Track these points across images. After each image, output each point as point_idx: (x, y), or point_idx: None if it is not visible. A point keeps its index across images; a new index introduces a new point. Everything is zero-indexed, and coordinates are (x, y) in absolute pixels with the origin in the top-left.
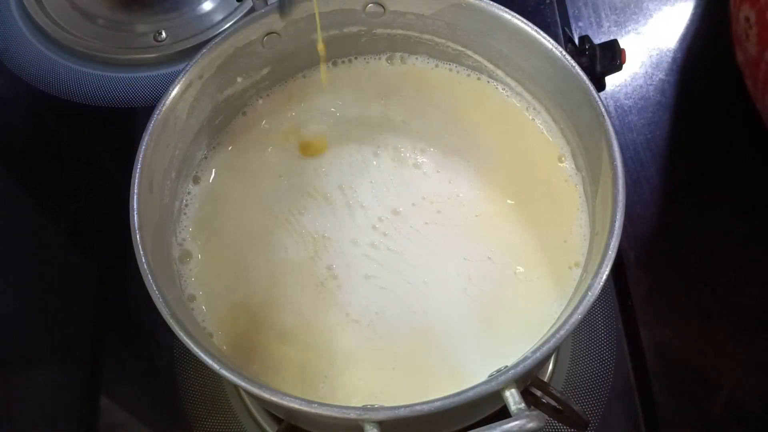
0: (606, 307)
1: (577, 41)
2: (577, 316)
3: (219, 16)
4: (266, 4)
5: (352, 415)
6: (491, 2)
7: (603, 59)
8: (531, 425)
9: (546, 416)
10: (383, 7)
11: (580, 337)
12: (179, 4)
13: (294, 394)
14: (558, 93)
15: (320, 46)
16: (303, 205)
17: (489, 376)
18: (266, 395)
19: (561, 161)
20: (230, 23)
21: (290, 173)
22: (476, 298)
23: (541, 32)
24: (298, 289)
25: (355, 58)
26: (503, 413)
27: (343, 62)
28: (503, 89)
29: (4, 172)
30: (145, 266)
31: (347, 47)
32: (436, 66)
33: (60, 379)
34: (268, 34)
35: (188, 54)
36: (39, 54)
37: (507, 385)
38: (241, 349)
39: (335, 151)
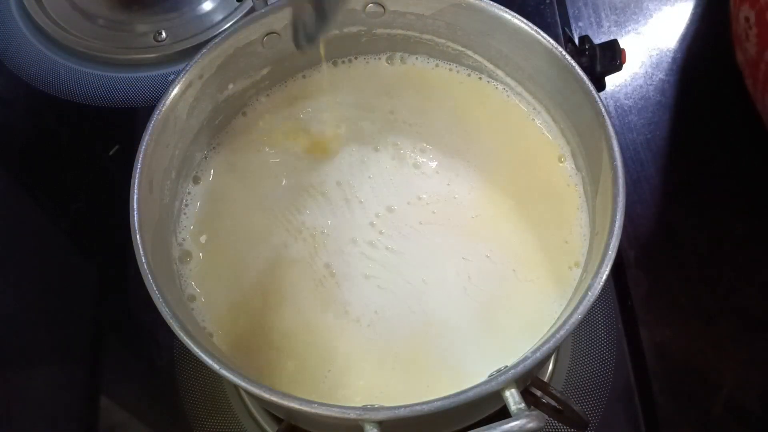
0: (606, 307)
1: (577, 41)
2: (577, 316)
3: (219, 16)
4: (266, 4)
5: (352, 415)
6: (491, 2)
7: (603, 59)
8: (531, 425)
9: (546, 416)
10: (383, 7)
11: (580, 337)
12: (179, 4)
13: (294, 394)
14: (558, 93)
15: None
16: (302, 204)
17: (489, 376)
18: (266, 395)
19: (561, 161)
20: (230, 23)
21: (290, 173)
22: (476, 297)
23: (541, 32)
24: (298, 289)
25: (355, 58)
26: (503, 413)
27: (343, 62)
28: (503, 89)
29: (4, 172)
30: (145, 266)
31: (347, 47)
32: (436, 66)
33: (60, 379)
34: (268, 34)
35: (188, 54)
36: (39, 54)
37: (507, 385)
38: (241, 349)
39: (335, 151)
